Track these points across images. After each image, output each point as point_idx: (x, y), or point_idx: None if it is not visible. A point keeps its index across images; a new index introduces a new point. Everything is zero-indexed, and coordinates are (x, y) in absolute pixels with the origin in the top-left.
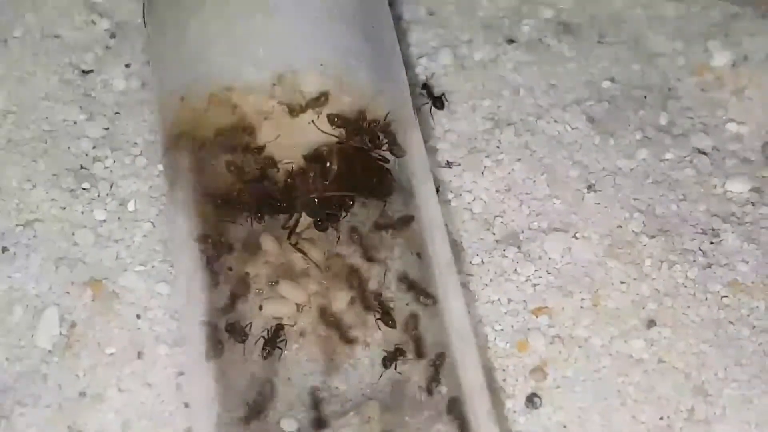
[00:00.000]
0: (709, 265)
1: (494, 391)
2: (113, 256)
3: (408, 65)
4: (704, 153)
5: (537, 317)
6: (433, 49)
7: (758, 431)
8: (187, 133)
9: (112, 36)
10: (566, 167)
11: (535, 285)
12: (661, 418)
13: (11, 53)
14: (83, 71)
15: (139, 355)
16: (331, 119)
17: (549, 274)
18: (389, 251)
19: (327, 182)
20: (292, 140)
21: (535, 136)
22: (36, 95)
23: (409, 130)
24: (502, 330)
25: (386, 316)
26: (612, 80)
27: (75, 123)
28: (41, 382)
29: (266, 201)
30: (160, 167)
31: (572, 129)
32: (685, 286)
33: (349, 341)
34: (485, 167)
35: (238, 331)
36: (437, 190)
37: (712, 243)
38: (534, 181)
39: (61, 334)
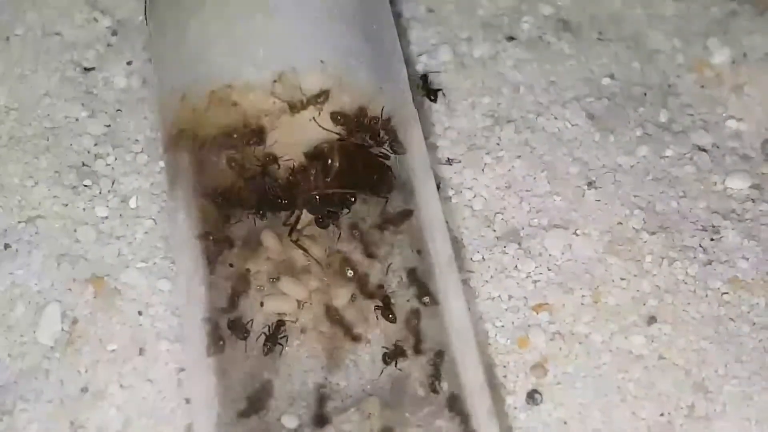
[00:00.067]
0: (710, 262)
1: (495, 387)
2: (115, 253)
3: (408, 63)
4: (704, 150)
5: (537, 314)
6: (433, 46)
7: (758, 428)
8: (188, 131)
9: (114, 34)
10: (566, 164)
11: (535, 282)
12: (662, 415)
13: (13, 51)
14: (85, 69)
15: (141, 351)
16: (335, 117)
17: (549, 270)
18: (390, 248)
19: (328, 179)
20: (293, 137)
21: (535, 133)
22: (38, 92)
23: (410, 127)
24: (502, 326)
25: (387, 310)
26: (612, 77)
27: (77, 120)
28: (43, 378)
29: (267, 198)
30: (162, 164)
31: (572, 126)
32: (686, 283)
33: (355, 338)
34: (485, 164)
35: (239, 328)
36: (438, 187)
37: (712, 240)
38: (534, 178)
39: (62, 330)
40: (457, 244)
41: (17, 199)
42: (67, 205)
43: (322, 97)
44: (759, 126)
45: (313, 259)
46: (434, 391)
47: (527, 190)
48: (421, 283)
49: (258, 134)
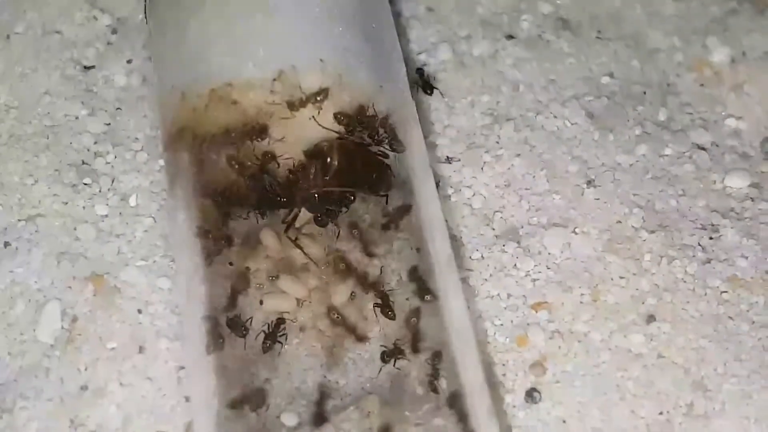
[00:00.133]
0: (709, 261)
1: (494, 386)
2: (115, 251)
3: (407, 61)
4: (703, 149)
5: (536, 312)
6: (433, 45)
7: (757, 426)
8: (188, 129)
9: (114, 32)
10: (565, 163)
11: (534, 280)
12: (661, 413)
13: (13, 49)
14: (85, 67)
15: (141, 349)
16: (338, 117)
17: (548, 269)
18: (389, 246)
19: (327, 177)
20: (292, 136)
21: (534, 131)
22: (38, 91)
23: (409, 126)
24: (501, 325)
25: (386, 308)
26: (611, 76)
27: (76, 118)
28: (43, 376)
29: (267, 196)
30: (161, 163)
31: (571, 124)
32: (685, 282)
33: (360, 339)
34: (485, 163)
35: (238, 326)
36: (437, 186)
37: (711, 238)
38: (533, 177)
39: (62, 328)
40: (456, 242)
41: (17, 198)
42: (67, 203)
43: (321, 95)
44: (758, 125)
45: (307, 257)
46: (434, 390)
47: (526, 189)
48: (422, 281)
49: (261, 131)
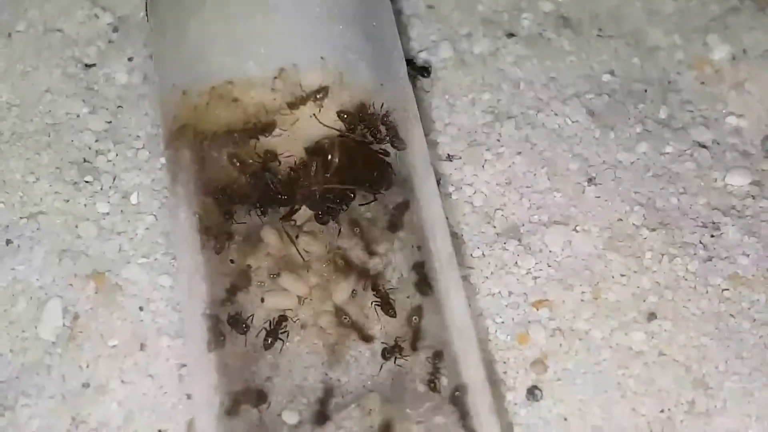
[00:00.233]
0: (710, 258)
1: (495, 383)
2: (116, 249)
3: (408, 59)
4: (704, 146)
5: (537, 310)
6: (433, 43)
7: (759, 424)
8: (189, 127)
9: (115, 30)
10: (566, 160)
11: (535, 278)
12: (662, 411)
13: (14, 48)
14: (86, 65)
15: (142, 346)
16: (340, 115)
17: (549, 267)
18: (390, 245)
19: (328, 175)
20: (293, 133)
21: (535, 129)
22: (39, 89)
23: (410, 123)
24: (502, 323)
25: (386, 306)
26: (612, 74)
27: (78, 116)
28: (45, 374)
29: (268, 193)
30: (162, 160)
31: (572, 122)
32: (686, 279)
33: (367, 339)
34: (486, 160)
35: (239, 323)
36: (438, 184)
37: (712, 236)
38: (534, 175)
39: (64, 325)
40: (457, 240)
41: (19, 195)
42: (68, 201)
43: (321, 93)
44: (759, 122)
45: (297, 250)
46: (434, 389)
47: (527, 187)
48: (426, 278)
49: (268, 127)
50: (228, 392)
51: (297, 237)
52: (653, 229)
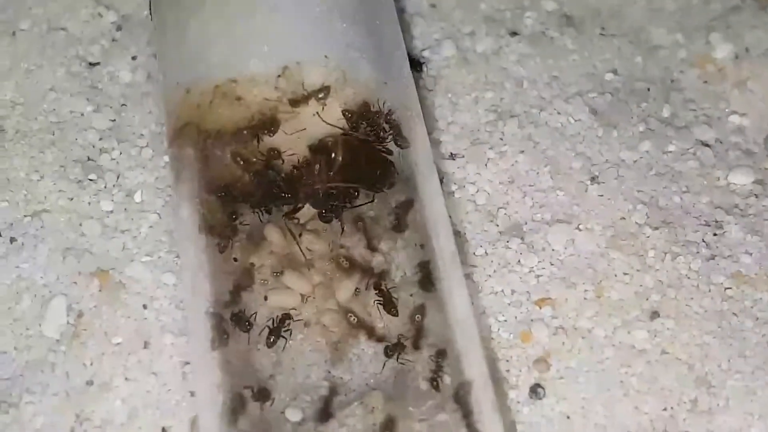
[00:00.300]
0: (713, 257)
1: (498, 381)
2: (120, 247)
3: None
4: (707, 145)
5: (540, 308)
6: (436, 41)
7: (761, 422)
8: (193, 126)
9: (119, 28)
10: (569, 159)
11: (538, 276)
12: (665, 409)
13: (19, 46)
14: (90, 63)
15: (146, 344)
16: (345, 114)
17: (552, 265)
18: (393, 243)
19: (331, 173)
20: (296, 132)
21: (538, 128)
22: (43, 87)
23: (413, 122)
24: (505, 321)
25: (389, 304)
26: (614, 72)
27: (82, 115)
28: (49, 371)
29: (271, 192)
30: (166, 158)
31: (575, 121)
32: (689, 278)
33: (379, 339)
34: (488, 159)
35: (243, 321)
36: (441, 182)
37: (715, 235)
38: (537, 173)
39: (68, 323)
40: (460, 238)
41: (23, 193)
42: (72, 199)
43: (323, 92)
44: (762, 121)
45: (298, 246)
46: (436, 388)
47: (530, 185)
48: (430, 276)
49: (272, 124)
50: (231, 390)
51: (300, 235)
52: (656, 228)
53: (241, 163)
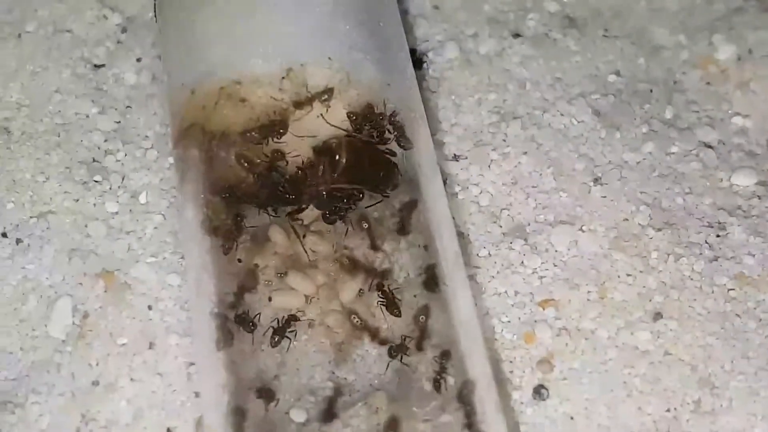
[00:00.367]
0: (716, 258)
1: (501, 382)
2: (125, 248)
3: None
4: (710, 146)
5: (544, 309)
6: (439, 43)
7: (765, 423)
8: (197, 127)
9: (124, 31)
10: (572, 160)
11: (541, 277)
12: (668, 410)
13: (24, 48)
14: (95, 65)
15: (151, 345)
16: (350, 116)
17: (555, 266)
18: (396, 244)
19: (335, 175)
20: (300, 133)
21: (541, 129)
22: (49, 89)
23: (417, 123)
24: (509, 322)
25: (392, 305)
26: (617, 74)
27: (87, 116)
28: (55, 372)
29: (275, 193)
30: (171, 160)
31: (578, 122)
32: (692, 279)
33: (383, 342)
34: (492, 160)
35: (247, 322)
36: (444, 184)
37: (718, 236)
38: (540, 174)
39: (74, 324)
40: (463, 240)
41: (29, 195)
42: (77, 200)
43: (326, 95)
44: (765, 122)
45: (303, 246)
46: (438, 389)
47: (533, 187)
48: (435, 277)
49: (280, 125)
50: (236, 390)
51: (304, 236)
52: (659, 229)
53: (246, 164)
